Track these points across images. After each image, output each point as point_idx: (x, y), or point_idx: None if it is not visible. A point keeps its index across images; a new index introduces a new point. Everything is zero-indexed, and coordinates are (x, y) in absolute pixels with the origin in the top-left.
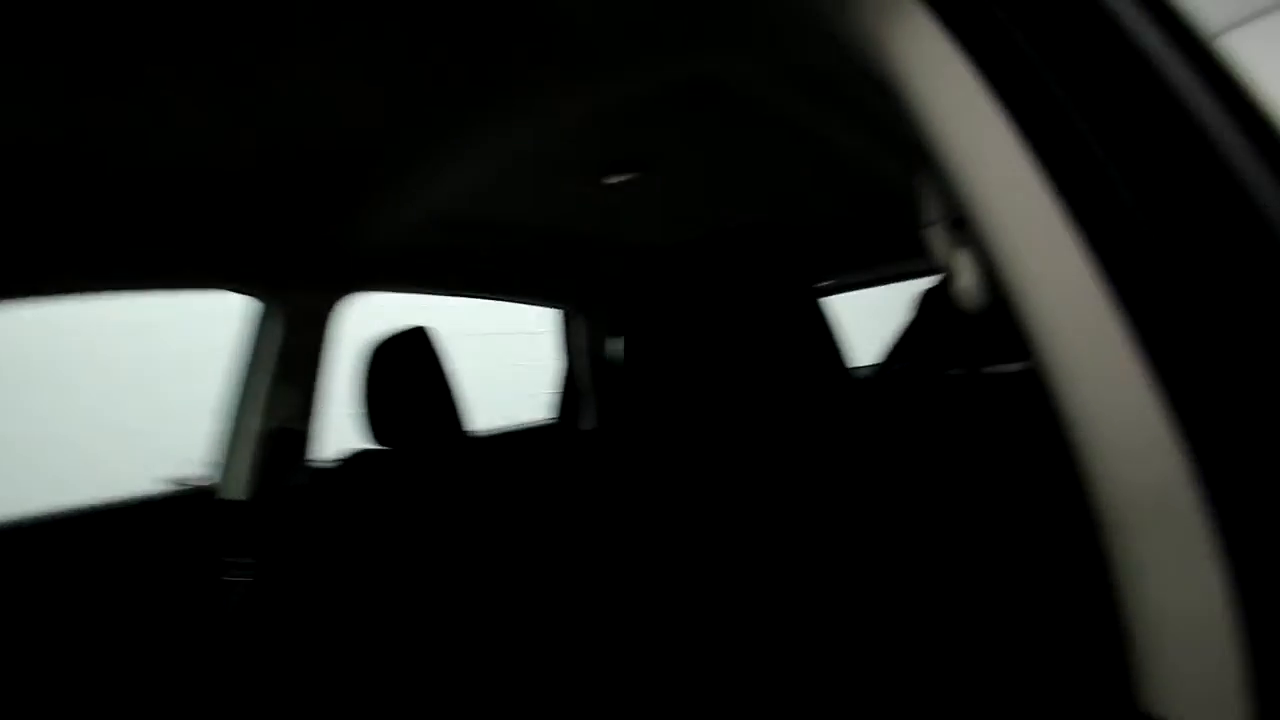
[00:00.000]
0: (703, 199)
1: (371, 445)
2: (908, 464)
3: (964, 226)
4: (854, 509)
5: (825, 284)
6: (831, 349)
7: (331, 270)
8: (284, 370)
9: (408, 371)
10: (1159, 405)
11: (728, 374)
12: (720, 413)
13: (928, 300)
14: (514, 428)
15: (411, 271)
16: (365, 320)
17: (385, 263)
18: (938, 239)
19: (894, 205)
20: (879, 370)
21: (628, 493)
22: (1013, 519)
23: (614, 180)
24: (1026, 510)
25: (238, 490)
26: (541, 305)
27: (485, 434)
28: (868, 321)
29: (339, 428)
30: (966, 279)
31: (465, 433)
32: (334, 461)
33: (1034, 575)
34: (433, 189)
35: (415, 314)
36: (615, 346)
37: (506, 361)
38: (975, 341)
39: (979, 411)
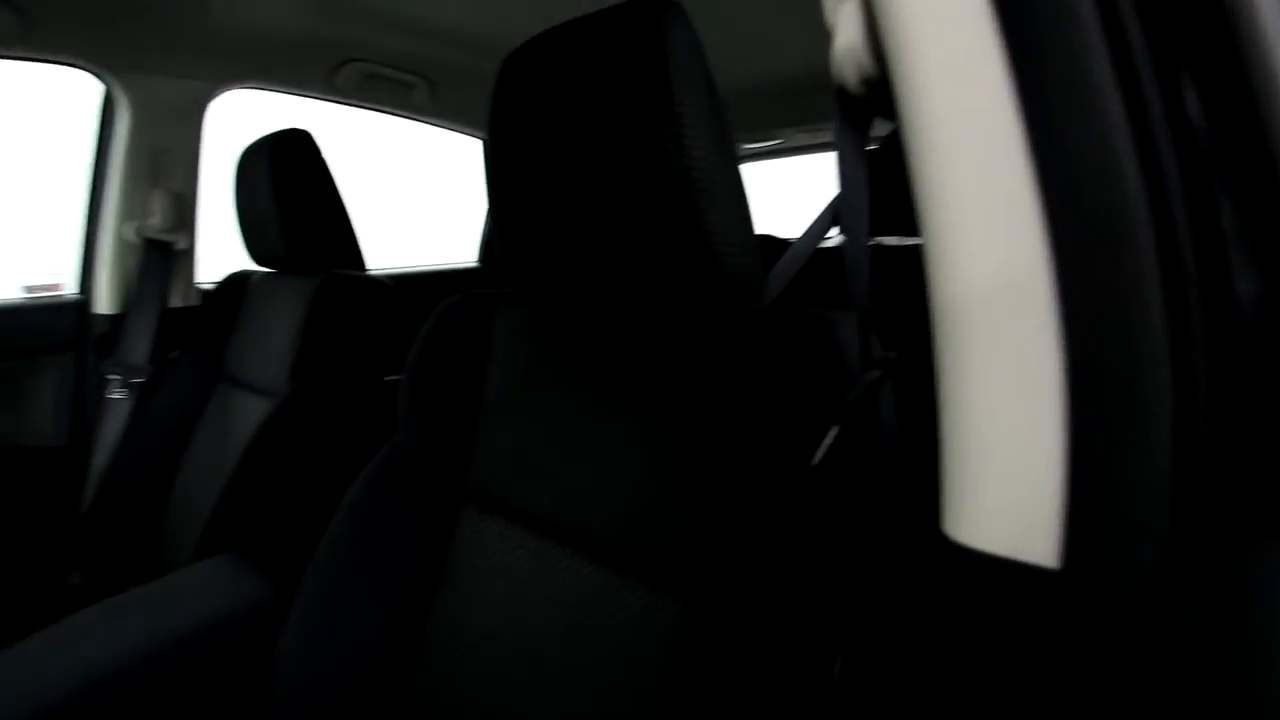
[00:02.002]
0: None
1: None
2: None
3: None
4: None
5: (765, 145)
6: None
7: (199, 55)
8: (147, 172)
9: (281, 184)
10: (1030, 171)
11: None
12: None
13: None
14: (421, 270)
15: (299, 68)
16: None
17: (263, 51)
18: None
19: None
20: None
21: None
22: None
23: None
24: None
25: (109, 304)
26: (467, 133)
27: (387, 274)
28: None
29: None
30: (848, 37)
31: (360, 265)
32: (214, 284)
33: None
34: None
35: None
36: None
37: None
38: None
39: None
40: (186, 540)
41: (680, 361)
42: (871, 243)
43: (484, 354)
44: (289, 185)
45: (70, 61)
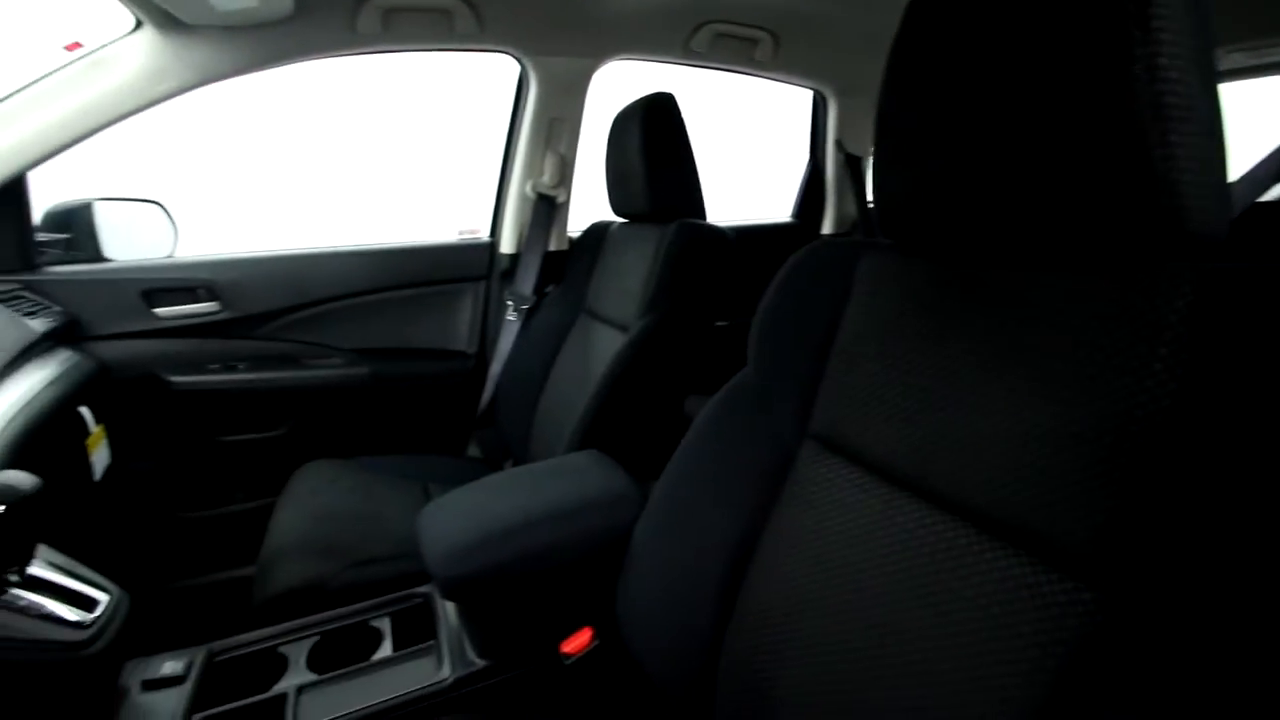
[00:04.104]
0: None
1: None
2: None
3: None
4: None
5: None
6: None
7: (588, 35)
8: (544, 138)
9: (650, 142)
10: None
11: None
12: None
13: None
14: (744, 224)
15: (663, 36)
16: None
17: (635, 26)
18: None
19: None
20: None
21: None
22: None
23: None
24: None
25: (509, 246)
26: (800, 84)
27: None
28: None
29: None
30: None
31: (704, 216)
32: (579, 234)
33: None
34: None
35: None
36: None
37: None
38: None
39: None
40: (552, 436)
41: (1092, 322)
42: None
43: (843, 299)
44: (656, 143)
45: (504, 50)
